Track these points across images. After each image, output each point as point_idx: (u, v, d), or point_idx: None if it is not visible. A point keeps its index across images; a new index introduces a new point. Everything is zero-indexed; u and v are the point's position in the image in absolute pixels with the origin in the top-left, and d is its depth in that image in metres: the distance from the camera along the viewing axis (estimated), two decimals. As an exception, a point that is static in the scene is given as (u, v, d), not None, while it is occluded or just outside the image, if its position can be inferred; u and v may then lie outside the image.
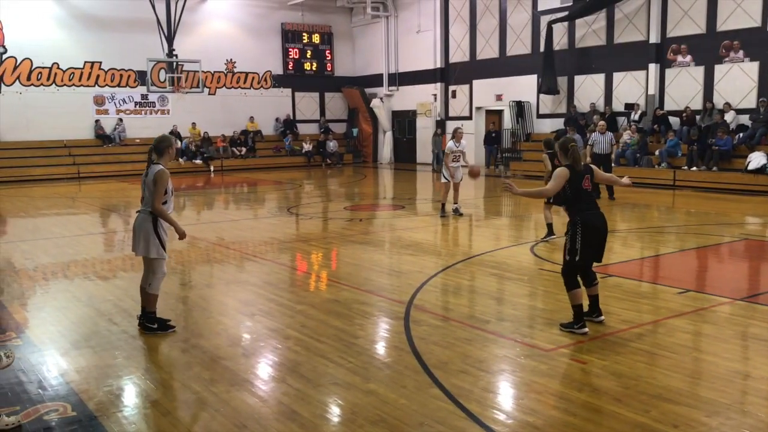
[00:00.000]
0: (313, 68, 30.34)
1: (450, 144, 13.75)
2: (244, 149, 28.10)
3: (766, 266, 9.53)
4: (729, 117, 18.09)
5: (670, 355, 5.55)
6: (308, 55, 30.15)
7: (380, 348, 6.09)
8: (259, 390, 5.04)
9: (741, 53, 18.38)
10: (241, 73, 28.76)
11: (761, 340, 6.05)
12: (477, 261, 9.44)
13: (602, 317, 6.40)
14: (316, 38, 30.26)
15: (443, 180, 13.75)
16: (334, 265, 9.75)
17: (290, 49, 29.67)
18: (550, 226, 10.80)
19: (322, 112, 30.98)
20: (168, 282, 7.83)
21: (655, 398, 4.69)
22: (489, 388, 5.01)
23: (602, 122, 16.77)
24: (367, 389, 4.96)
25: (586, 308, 6.30)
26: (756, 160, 16.48)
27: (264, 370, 5.51)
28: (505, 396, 4.97)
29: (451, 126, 27.14)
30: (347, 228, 12.68)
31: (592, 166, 6.50)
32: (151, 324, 6.37)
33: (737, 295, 7.38)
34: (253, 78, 29.08)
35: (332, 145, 29.25)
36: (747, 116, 17.99)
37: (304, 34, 29.89)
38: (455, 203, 13.83)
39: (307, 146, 28.90)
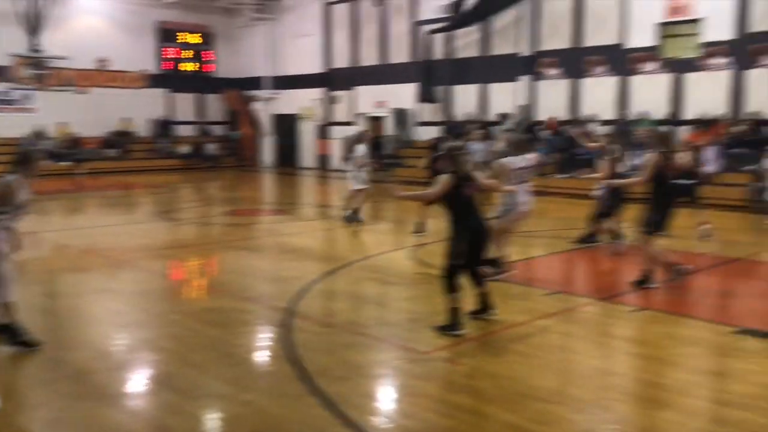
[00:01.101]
0: (192, 68, 29.48)
1: (362, 148, 13.40)
2: (117, 151, 26.83)
3: (626, 267, 10.19)
4: (593, 127, 19.23)
5: (541, 355, 5.82)
6: (186, 55, 29.26)
7: (259, 357, 5.99)
8: (128, 405, 4.82)
9: (603, 68, 19.63)
10: (114, 71, 27.47)
11: (620, 339, 6.47)
12: (359, 266, 9.49)
13: (496, 311, 6.61)
14: (194, 38, 29.40)
15: (357, 186, 13.40)
16: (212, 272, 9.50)
17: (167, 49, 28.68)
18: (421, 224, 11.25)
19: (201, 114, 30.16)
20: (32, 292, 7.34)
21: (527, 397, 4.90)
22: (368, 394, 5.05)
23: (478, 131, 17.34)
24: (244, 400, 4.85)
25: (479, 307, 6.49)
26: (617, 168, 17.61)
27: (134, 383, 5.28)
28: (384, 401, 5.02)
29: (335, 131, 27.27)
30: (227, 233, 12.41)
31: (476, 174, 6.72)
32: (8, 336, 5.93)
33: (600, 296, 7.84)
34: (127, 77, 27.85)
35: (211, 147, 28.52)
36: (609, 127, 19.18)
37: (181, 33, 28.97)
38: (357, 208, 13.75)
39: (184, 148, 28.01)
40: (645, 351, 6.23)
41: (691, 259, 9.30)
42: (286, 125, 29.30)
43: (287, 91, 28.69)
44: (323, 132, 27.72)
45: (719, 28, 17.31)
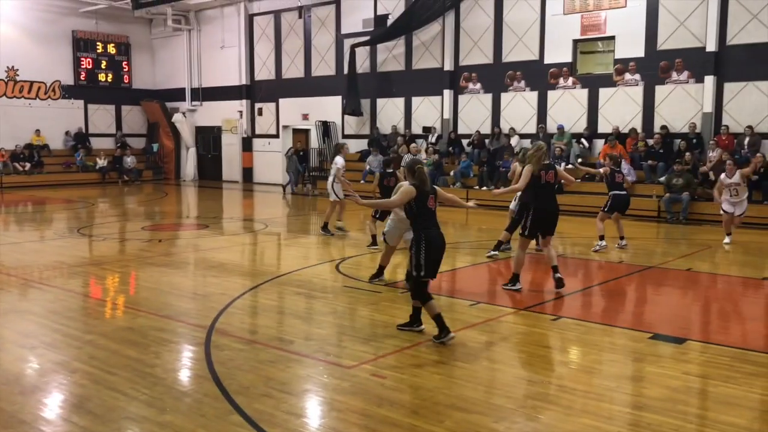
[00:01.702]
0: (109, 79, 28.61)
1: (340, 159, 13.23)
2: (28, 165, 25.70)
3: (547, 277, 10.45)
4: (514, 141, 19.73)
5: (464, 365, 5.87)
6: (103, 66, 28.38)
7: (178, 376, 5.80)
8: (38, 431, 4.57)
9: (523, 83, 20.19)
10: (25, 81, 26.36)
11: (542, 347, 6.60)
12: (283, 280, 9.37)
13: (422, 327, 6.71)
14: (111, 48, 28.58)
15: (334, 198, 13.27)
16: (130, 290, 9.18)
17: (83, 59, 27.75)
18: (374, 237, 11.24)
19: (119, 126, 29.29)
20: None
21: (450, 408, 4.92)
22: (292, 411, 4.96)
23: (414, 145, 17.64)
24: (163, 421, 4.69)
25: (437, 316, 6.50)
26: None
27: (46, 408, 5.01)
28: (308, 417, 4.95)
29: (259, 144, 26.97)
30: (146, 249, 12.02)
31: (437, 187, 6.83)
32: None
33: (521, 305, 8.00)
34: (39, 88, 26.77)
35: (130, 160, 27.70)
36: (528, 140, 19.73)
37: (98, 43, 28.10)
38: (339, 220, 13.63)
39: (101, 162, 27.11)
40: (565, 359, 6.38)
41: (608, 268, 9.63)
42: (209, 138, 28.81)
43: (209, 102, 28.25)
44: (246, 144, 27.38)
45: (630, 45, 18.10)
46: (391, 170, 10.91)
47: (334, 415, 4.88)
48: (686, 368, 5.90)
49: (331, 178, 13.37)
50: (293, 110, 25.65)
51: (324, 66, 24.74)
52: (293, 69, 25.64)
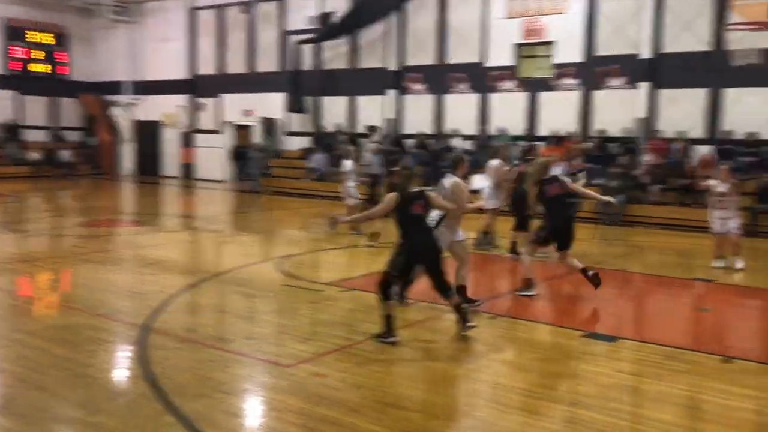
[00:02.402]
0: (44, 70, 27.62)
1: (350, 164, 13.35)
2: (-45, 157, 24.61)
3: (487, 277, 10.61)
4: (457, 142, 19.94)
5: (404, 364, 5.92)
6: (37, 56, 27.37)
7: (111, 376, 5.67)
8: (-39, 435, 4.40)
9: (465, 85, 20.43)
10: (-48, 70, 25.24)
11: (481, 345, 6.70)
12: (224, 279, 9.25)
13: (471, 325, 6.60)
14: (47, 38, 27.58)
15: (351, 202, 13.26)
16: (63, 287, 8.90)
17: (15, 48, 26.71)
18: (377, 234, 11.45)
19: (55, 119, 28.32)
20: None
21: (389, 406, 4.95)
22: (229, 410, 4.91)
23: (375, 144, 17.63)
24: (94, 422, 4.57)
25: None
26: (478, 182, 18.34)
27: (-30, 410, 4.82)
28: (246, 417, 4.90)
29: (201, 139, 26.49)
30: (81, 246, 11.68)
31: (428, 192, 6.75)
32: None
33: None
34: (-33, 77, 25.66)
35: (66, 154, 26.81)
36: (471, 142, 19.98)
37: (32, 32, 27.09)
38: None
39: (35, 155, 26.15)
40: (504, 357, 6.50)
41: (545, 268, 9.82)
42: (148, 132, 28.12)
43: (149, 96, 27.57)
44: (187, 140, 26.88)
45: (569, 50, 18.52)
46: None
47: (272, 414, 4.85)
48: (619, 366, 6.09)
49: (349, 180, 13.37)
50: (236, 106, 25.29)
51: (268, 62, 24.49)
52: (236, 64, 25.29)
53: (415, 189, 6.57)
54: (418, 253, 6.50)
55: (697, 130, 16.80)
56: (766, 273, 9.44)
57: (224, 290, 8.72)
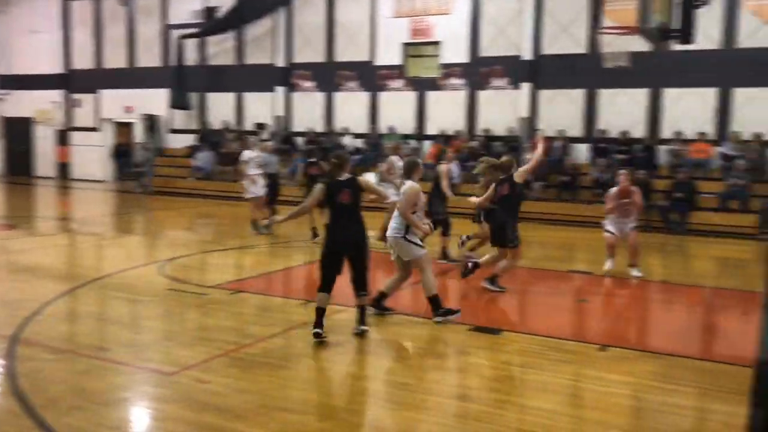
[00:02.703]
0: None
1: (248, 152, 13.06)
2: None
3: (375, 275, 10.64)
4: (347, 140, 19.95)
5: (291, 366, 5.80)
6: None
7: (-26, 393, 5.22)
8: None
9: (355, 83, 20.48)
10: None
11: (371, 343, 6.69)
12: (103, 284, 8.76)
13: (364, 328, 6.55)
14: None
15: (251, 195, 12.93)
16: None
17: None
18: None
19: None
20: None
21: (276, 410, 4.84)
22: (105, 423, 4.63)
23: (269, 143, 17.27)
24: (-48, 445, 4.19)
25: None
26: (369, 179, 18.44)
27: None
28: (125, 428, 4.64)
29: (77, 137, 25.11)
30: (-61, 252, 10.76)
31: (361, 179, 6.62)
32: None
33: (352, 303, 8.02)
34: None
35: (-76, 153, 24.69)
36: (362, 140, 20.05)
37: None
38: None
39: None
40: (393, 354, 6.52)
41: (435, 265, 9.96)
42: (19, 130, 26.33)
43: (19, 91, 25.83)
44: (63, 138, 25.41)
45: (455, 51, 18.95)
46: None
47: (153, 424, 4.62)
48: (503, 358, 6.25)
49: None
50: (115, 102, 24.13)
51: (149, 56, 23.54)
52: (115, 58, 24.15)
53: (344, 177, 6.45)
54: (337, 243, 6.42)
55: (576, 129, 17.63)
56: (643, 266, 10.00)
57: (103, 296, 8.27)
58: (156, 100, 23.12)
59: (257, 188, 12.99)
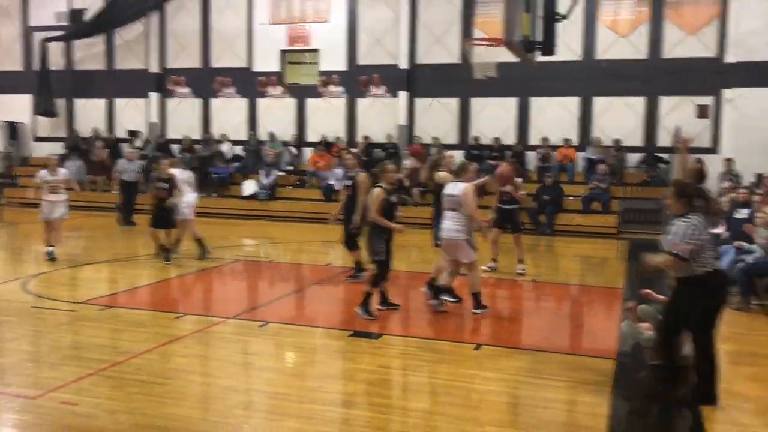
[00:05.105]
0: None
1: (43, 173, 11.18)
2: None
3: (258, 284, 10.52)
4: (225, 147, 19.58)
5: (166, 382, 5.62)
6: None
7: None
8: None
9: (232, 89, 20.14)
10: None
11: (249, 355, 6.61)
12: (-46, 305, 8.11)
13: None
14: None
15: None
16: None
17: None
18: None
19: None
20: None
21: (149, 428, 4.67)
22: (-41, 455, 4.30)
23: (133, 150, 16.76)
24: None
25: None
26: (249, 187, 18.20)
27: None
28: (-19, 460, 4.33)
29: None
30: None
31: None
32: None
33: (231, 314, 7.89)
34: None
35: None
36: (241, 147, 19.73)
37: None
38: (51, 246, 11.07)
39: None
40: (272, 364, 6.46)
41: (315, 270, 9.98)
42: None
43: None
44: None
45: (333, 59, 19.08)
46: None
47: (13, 453, 4.34)
48: (381, 361, 6.35)
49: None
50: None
51: (10, 60, 22.07)
52: (-30, 62, 22.47)
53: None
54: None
55: (451, 137, 18.20)
56: (515, 266, 10.49)
57: (-44, 318, 7.65)
58: (18, 106, 21.72)
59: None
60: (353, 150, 18.30)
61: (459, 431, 4.76)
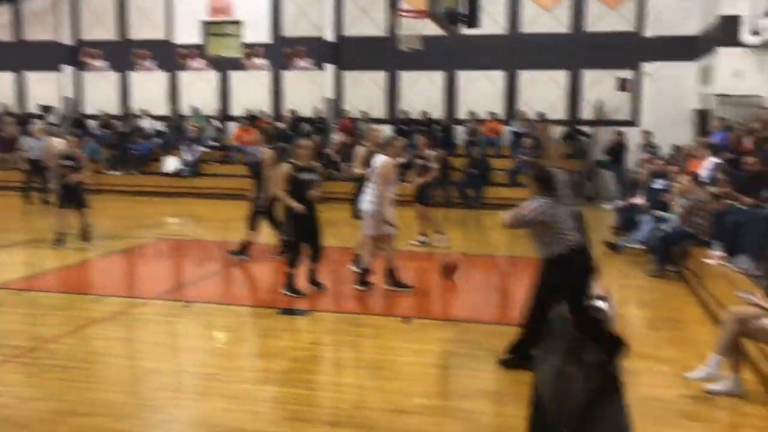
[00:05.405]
0: None
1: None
2: None
3: (182, 263, 10.24)
4: (146, 123, 18.90)
5: (86, 366, 5.40)
6: None
7: None
8: None
9: (151, 62, 19.42)
10: None
11: (173, 336, 6.42)
12: None
13: None
14: None
15: None
16: None
17: None
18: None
19: None
20: None
21: (67, 415, 4.47)
22: None
23: (38, 126, 15.81)
24: None
25: None
26: (171, 163, 17.64)
27: None
28: None
29: None
30: None
31: None
32: None
33: (154, 294, 7.65)
34: None
35: None
36: (162, 122, 19.08)
37: None
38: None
39: None
40: (198, 344, 6.30)
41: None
42: None
43: None
44: None
45: (257, 30, 18.61)
46: None
47: None
48: (310, 338, 6.29)
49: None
50: None
51: None
52: None
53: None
54: None
55: (379, 110, 18.10)
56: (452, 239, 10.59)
57: None
58: None
59: None
60: (279, 124, 18.06)
61: (388, 403, 4.75)
